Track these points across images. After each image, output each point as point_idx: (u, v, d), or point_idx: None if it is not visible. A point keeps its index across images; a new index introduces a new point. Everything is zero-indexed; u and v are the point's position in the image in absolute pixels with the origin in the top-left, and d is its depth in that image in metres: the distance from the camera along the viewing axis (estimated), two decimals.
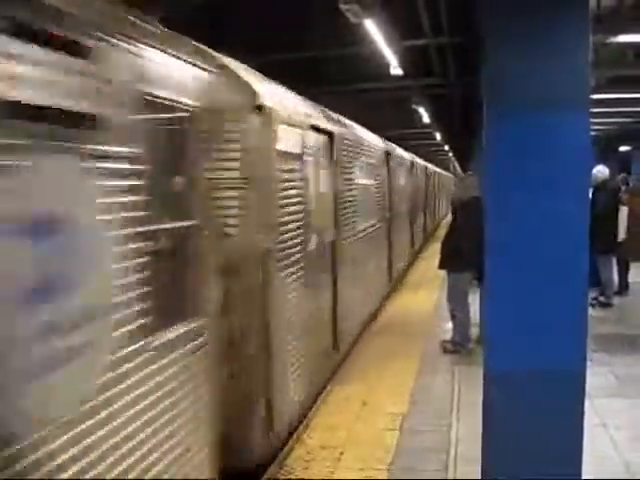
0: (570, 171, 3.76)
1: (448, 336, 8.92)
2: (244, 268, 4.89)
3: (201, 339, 3.88)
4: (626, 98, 12.84)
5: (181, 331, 3.63)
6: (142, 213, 3.14)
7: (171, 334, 3.51)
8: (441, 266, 8.99)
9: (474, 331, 8.77)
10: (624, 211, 11.94)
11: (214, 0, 8.06)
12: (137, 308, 3.07)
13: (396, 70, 9.60)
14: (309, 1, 9.12)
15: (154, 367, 3.26)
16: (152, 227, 3.31)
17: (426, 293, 13.05)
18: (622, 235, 11.76)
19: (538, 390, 3.88)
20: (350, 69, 11.61)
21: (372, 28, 7.24)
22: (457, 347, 8.62)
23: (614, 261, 11.90)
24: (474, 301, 8.68)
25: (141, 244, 3.14)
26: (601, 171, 11.53)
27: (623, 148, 20.67)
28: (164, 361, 3.38)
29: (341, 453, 5.58)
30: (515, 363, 3.89)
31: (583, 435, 3.88)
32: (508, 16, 3.75)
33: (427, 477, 5.13)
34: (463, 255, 8.29)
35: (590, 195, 10.12)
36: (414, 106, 15.03)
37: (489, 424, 3.99)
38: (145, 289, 3.14)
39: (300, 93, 6.98)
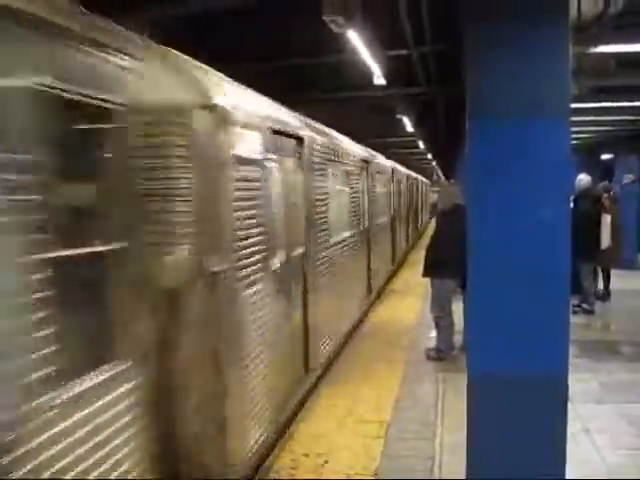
0: (552, 178, 3.80)
1: (432, 344, 8.94)
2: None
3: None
4: (609, 107, 12.95)
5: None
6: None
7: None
8: (425, 274, 9.01)
9: (458, 338, 8.80)
10: (607, 219, 12.03)
11: (198, 9, 8.06)
12: None
13: (379, 79, 9.64)
14: (293, 10, 9.14)
15: None
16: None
17: (410, 301, 13.06)
18: (605, 243, 11.85)
19: (521, 396, 3.90)
20: (334, 78, 11.65)
21: (355, 38, 7.27)
22: (441, 354, 8.63)
23: (596, 269, 12.00)
24: (458, 308, 8.70)
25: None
26: (583, 179, 11.61)
27: (605, 156, 20.83)
28: None
29: (326, 461, 5.57)
30: (498, 369, 3.91)
31: (566, 440, 3.91)
32: (490, 24, 3.79)
33: None
34: (447, 263, 8.33)
35: (573, 203, 10.23)
36: (398, 115, 15.08)
37: (473, 430, 4.00)
38: None
39: (284, 101, 6.99)
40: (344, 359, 8.79)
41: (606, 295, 12.51)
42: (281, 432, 5.99)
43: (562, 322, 3.90)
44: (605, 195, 12.90)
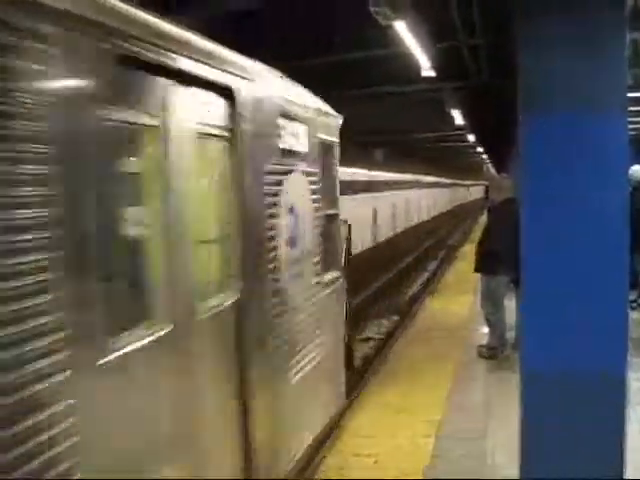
0: (608, 171, 3.70)
1: (484, 341, 8.82)
2: None
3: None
4: None
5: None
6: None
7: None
8: (476, 269, 8.89)
9: (511, 335, 8.64)
10: None
11: (237, 6, 8.03)
12: None
13: (428, 72, 9.51)
14: (338, 3, 9.08)
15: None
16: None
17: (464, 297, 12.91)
18: None
19: (576, 394, 3.81)
20: (381, 72, 11.54)
21: (403, 30, 7.18)
22: (493, 352, 8.50)
23: None
24: (510, 304, 8.56)
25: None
26: (638, 170, 11.33)
27: None
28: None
29: (375, 461, 5.51)
30: (552, 366, 3.83)
31: (624, 440, 3.79)
32: (544, 16, 3.70)
33: None
34: (498, 257, 8.19)
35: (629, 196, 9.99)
36: (447, 108, 14.92)
37: (526, 429, 3.91)
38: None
39: (330, 96, 6.93)
40: (393, 357, 8.74)
41: None
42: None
43: (620, 318, 3.79)
44: None
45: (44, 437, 2.36)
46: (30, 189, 2.37)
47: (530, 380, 3.91)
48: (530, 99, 3.80)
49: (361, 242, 24.27)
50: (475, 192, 70.48)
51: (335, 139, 6.67)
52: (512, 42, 4.84)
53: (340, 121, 6.81)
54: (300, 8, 8.70)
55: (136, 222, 3.30)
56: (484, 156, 36.82)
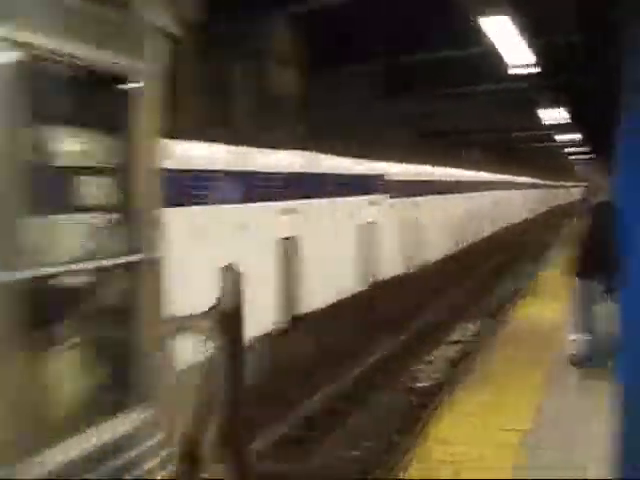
0: None
1: (577, 349, 8.52)
2: None
3: None
4: None
5: None
6: None
7: None
8: (568, 272, 8.61)
9: (604, 343, 8.32)
10: None
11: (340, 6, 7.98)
12: None
13: (520, 70, 9.26)
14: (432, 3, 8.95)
15: None
16: None
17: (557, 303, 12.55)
18: None
19: None
20: (474, 70, 11.32)
21: (498, 26, 7.02)
22: (585, 361, 8.21)
23: None
24: (602, 311, 8.24)
25: None
26: None
27: None
28: None
29: (461, 469, 5.40)
30: None
31: None
32: None
33: None
34: (594, 261, 7.90)
35: None
36: (544, 107, 14.55)
37: (621, 438, 3.71)
38: None
39: (423, 95, 6.82)
40: (483, 361, 8.56)
41: None
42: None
43: None
44: None
45: None
46: None
47: (628, 390, 3.71)
48: (636, 96, 3.60)
49: (455, 241, 24.03)
50: (577, 194, 69.38)
51: (148, 68, 2.83)
52: (615, 37, 4.65)
53: (173, 30, 3.03)
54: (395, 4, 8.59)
55: None
56: (583, 156, 35.80)
